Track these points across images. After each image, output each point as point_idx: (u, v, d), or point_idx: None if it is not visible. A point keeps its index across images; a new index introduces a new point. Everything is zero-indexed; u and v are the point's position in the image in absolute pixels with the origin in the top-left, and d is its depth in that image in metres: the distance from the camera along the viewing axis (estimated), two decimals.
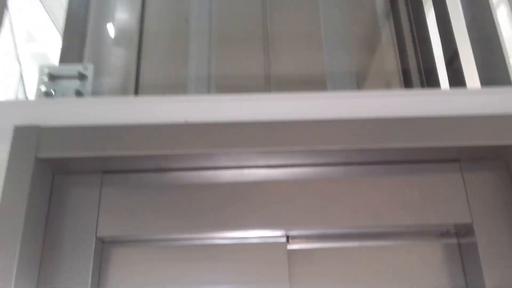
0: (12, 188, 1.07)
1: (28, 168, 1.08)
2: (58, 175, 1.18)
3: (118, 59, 1.74)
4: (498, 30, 1.49)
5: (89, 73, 1.41)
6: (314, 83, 1.62)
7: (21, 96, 3.35)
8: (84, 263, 1.12)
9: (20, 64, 3.40)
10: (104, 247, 1.19)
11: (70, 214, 1.16)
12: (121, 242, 1.20)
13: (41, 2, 3.55)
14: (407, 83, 1.67)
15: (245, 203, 1.19)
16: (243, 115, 1.16)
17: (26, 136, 1.12)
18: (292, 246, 1.22)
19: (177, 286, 1.17)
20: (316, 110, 1.18)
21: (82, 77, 1.39)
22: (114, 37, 1.80)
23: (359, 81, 1.64)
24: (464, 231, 1.21)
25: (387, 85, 1.68)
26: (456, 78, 1.67)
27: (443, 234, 1.25)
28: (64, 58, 1.62)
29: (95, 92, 1.41)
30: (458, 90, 1.33)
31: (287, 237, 1.22)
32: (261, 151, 1.14)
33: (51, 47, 3.91)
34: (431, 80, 1.66)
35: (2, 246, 1.02)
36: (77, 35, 1.68)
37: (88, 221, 1.16)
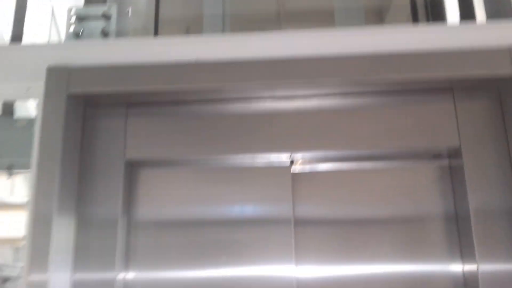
0: (48, 121, 1.24)
1: (61, 104, 1.25)
2: (89, 108, 1.35)
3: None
4: None
5: (113, 13, 1.53)
6: (323, 18, 1.70)
7: (54, 37, 3.51)
8: (115, 184, 1.31)
9: (51, 5, 3.53)
10: (132, 169, 1.37)
11: (101, 141, 1.33)
12: (146, 164, 1.37)
13: None
14: (415, 17, 1.73)
15: (253, 131, 1.33)
16: (248, 53, 1.27)
17: (58, 75, 1.27)
18: (295, 169, 1.36)
19: (196, 203, 1.34)
20: (316, 46, 1.28)
21: (107, 17, 1.52)
22: None
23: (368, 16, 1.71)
24: (453, 154, 1.32)
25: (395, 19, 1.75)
26: (466, 11, 1.72)
27: (436, 156, 1.37)
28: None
29: (119, 32, 1.54)
30: (452, 25, 1.40)
31: (291, 161, 1.36)
32: (266, 84, 1.27)
33: None
34: (437, 14, 1.71)
35: (44, 172, 1.21)
36: None
37: (117, 146, 1.33)
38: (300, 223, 1.33)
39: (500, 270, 1.20)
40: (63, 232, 1.22)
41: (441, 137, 1.30)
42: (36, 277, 1.14)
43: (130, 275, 1.31)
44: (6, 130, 1.44)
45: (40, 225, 1.17)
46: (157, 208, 1.35)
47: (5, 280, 1.99)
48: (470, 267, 1.24)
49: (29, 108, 1.60)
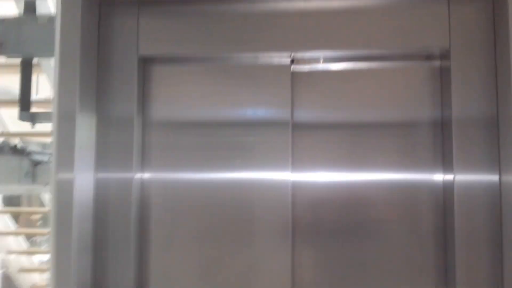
0: (67, 19, 1.35)
1: (78, 2, 1.34)
2: (103, 7, 1.44)
3: None
4: None
5: None
6: None
7: None
8: (130, 80, 1.44)
9: None
10: (146, 66, 1.49)
11: (115, 38, 1.45)
12: (157, 60, 1.50)
13: None
14: None
15: (256, 30, 1.43)
16: None
17: None
18: (295, 68, 1.47)
19: (202, 103, 1.48)
20: None
21: None
22: None
23: None
24: (443, 56, 1.41)
25: None
26: None
27: (428, 58, 1.45)
28: None
29: None
30: None
31: (292, 60, 1.46)
32: None
33: None
34: None
35: (65, 67, 1.34)
36: None
37: (131, 43, 1.45)
38: (297, 125, 1.46)
39: (475, 181, 1.31)
40: (85, 130, 1.38)
41: (433, 38, 1.38)
42: (64, 176, 1.32)
43: (146, 175, 1.49)
44: (28, 27, 1.56)
45: (64, 122, 1.33)
46: (166, 106, 1.49)
47: (36, 163, 2.20)
48: (448, 177, 1.36)
49: (49, 5, 1.70)
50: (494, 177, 1.30)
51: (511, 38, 1.25)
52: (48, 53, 1.54)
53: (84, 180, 1.38)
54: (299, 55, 1.46)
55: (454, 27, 1.37)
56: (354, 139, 1.45)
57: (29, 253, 4.74)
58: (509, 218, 1.25)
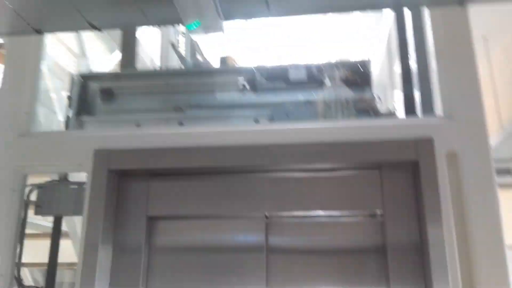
0: (95, 188, 1.81)
1: (103, 176, 1.82)
2: (122, 179, 1.91)
3: None
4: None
5: None
6: None
7: None
8: (140, 232, 1.86)
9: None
10: (153, 223, 1.92)
11: (130, 202, 1.90)
12: (161, 218, 1.93)
13: None
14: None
15: (238, 196, 1.88)
16: (242, 140, 1.84)
17: (102, 156, 1.85)
18: (268, 220, 1.91)
19: (200, 250, 1.89)
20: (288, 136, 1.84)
21: None
22: None
23: None
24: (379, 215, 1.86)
25: None
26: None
27: (371, 215, 1.90)
28: None
29: None
30: (378, 120, 1.95)
31: (265, 216, 1.90)
32: (251, 164, 1.83)
33: None
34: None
35: (91, 224, 1.77)
36: None
37: (141, 206, 1.89)
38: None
39: None
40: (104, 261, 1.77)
41: (369, 202, 1.84)
42: None
43: None
44: (61, 191, 2.02)
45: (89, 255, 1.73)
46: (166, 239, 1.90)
47: None
48: None
49: (79, 175, 2.17)
50: None
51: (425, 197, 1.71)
52: (76, 212, 1.97)
53: None
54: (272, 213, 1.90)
55: (385, 192, 1.83)
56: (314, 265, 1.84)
57: None
58: None
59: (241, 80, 2.18)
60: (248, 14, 1.66)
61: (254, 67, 2.22)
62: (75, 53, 4.19)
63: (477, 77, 1.87)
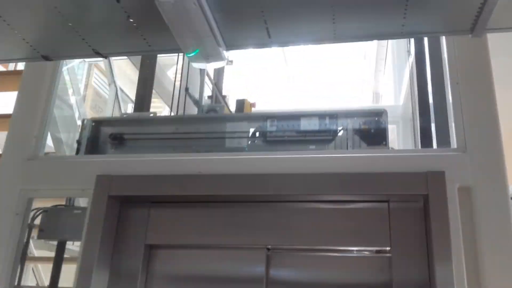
0: (95, 213, 1.79)
1: (104, 202, 1.80)
2: (123, 205, 1.89)
3: None
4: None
5: None
6: None
7: None
8: (137, 259, 1.82)
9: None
10: (151, 251, 1.88)
11: (129, 229, 1.87)
12: (160, 247, 1.88)
13: None
14: None
15: (239, 226, 1.82)
16: (237, 169, 1.80)
17: (103, 181, 1.84)
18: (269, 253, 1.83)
19: (198, 280, 1.83)
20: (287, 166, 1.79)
21: None
22: None
23: None
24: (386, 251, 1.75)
25: None
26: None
27: (378, 251, 1.80)
28: None
29: None
30: (387, 152, 1.87)
31: (267, 248, 1.83)
32: (247, 194, 1.78)
33: None
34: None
35: (88, 248, 1.74)
36: None
37: (140, 234, 1.85)
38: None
39: None
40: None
41: (376, 238, 1.74)
42: None
43: None
44: (65, 216, 2.02)
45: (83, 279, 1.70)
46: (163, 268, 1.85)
47: None
48: None
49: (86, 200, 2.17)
50: None
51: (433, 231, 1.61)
52: (79, 237, 1.95)
53: None
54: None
55: (393, 227, 1.73)
56: None
57: None
58: None
59: (252, 130, 2.15)
60: (249, 43, 1.63)
61: (265, 113, 2.20)
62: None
63: (495, 107, 1.76)
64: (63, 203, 2.21)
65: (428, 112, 2.13)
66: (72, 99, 3.19)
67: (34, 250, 3.95)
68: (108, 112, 3.88)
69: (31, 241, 4.96)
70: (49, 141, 2.54)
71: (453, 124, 1.84)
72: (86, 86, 6.08)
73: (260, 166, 1.81)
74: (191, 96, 2.97)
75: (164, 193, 1.83)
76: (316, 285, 1.79)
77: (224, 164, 1.83)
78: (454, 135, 1.81)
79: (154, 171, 1.85)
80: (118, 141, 2.16)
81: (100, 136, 2.21)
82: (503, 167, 1.68)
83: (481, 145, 1.73)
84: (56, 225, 1.97)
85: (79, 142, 2.17)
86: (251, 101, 2.83)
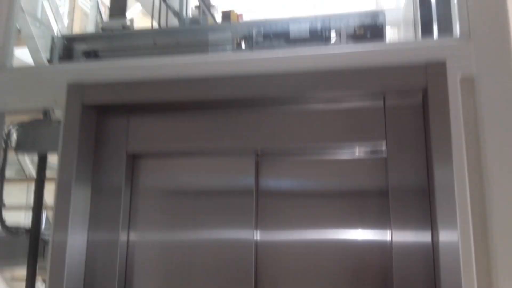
0: (69, 125, 1.67)
1: (78, 112, 1.67)
2: (99, 115, 1.76)
3: None
4: None
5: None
6: None
7: None
8: (120, 171, 1.73)
9: None
10: (134, 161, 1.78)
11: (109, 140, 1.76)
12: (143, 157, 1.79)
13: None
14: None
15: (223, 131, 1.70)
16: (214, 71, 1.65)
17: (75, 90, 1.70)
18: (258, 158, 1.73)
19: (185, 191, 1.74)
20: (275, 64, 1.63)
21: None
22: None
23: None
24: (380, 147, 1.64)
25: None
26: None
27: (373, 152, 1.68)
28: None
29: None
30: (383, 44, 1.69)
31: (256, 154, 1.72)
32: (232, 97, 1.63)
33: None
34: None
35: (65, 161, 1.64)
36: None
37: (121, 143, 1.75)
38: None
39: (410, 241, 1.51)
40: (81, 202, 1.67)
41: (372, 134, 1.62)
42: (58, 236, 1.58)
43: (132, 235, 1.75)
44: (42, 129, 1.90)
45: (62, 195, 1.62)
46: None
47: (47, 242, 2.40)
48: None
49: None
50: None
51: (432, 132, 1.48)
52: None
53: (77, 241, 1.65)
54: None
55: (389, 125, 1.61)
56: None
57: None
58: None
59: (236, 38, 1.96)
60: None
61: (251, 23, 2.00)
62: None
63: None
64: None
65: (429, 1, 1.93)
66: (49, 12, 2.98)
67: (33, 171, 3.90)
68: (89, 27, 3.65)
69: (28, 162, 4.99)
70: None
71: (456, 10, 1.65)
72: (73, 9, 5.83)
73: (245, 67, 1.65)
74: (169, 7, 2.74)
75: (142, 100, 1.69)
76: (309, 193, 1.70)
77: (206, 66, 1.67)
78: (458, 22, 1.63)
79: (130, 77, 1.70)
80: (92, 57, 2.00)
81: (73, 54, 2.05)
82: (510, 53, 1.52)
83: (486, 32, 1.55)
84: (33, 139, 1.86)
85: (49, 61, 2.02)
86: (238, 13, 2.59)
